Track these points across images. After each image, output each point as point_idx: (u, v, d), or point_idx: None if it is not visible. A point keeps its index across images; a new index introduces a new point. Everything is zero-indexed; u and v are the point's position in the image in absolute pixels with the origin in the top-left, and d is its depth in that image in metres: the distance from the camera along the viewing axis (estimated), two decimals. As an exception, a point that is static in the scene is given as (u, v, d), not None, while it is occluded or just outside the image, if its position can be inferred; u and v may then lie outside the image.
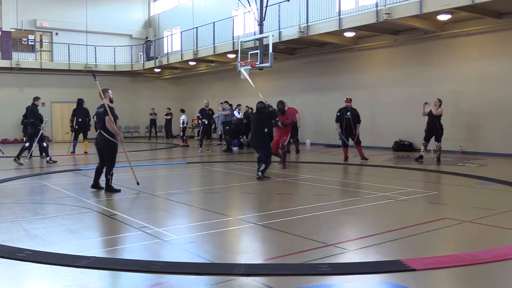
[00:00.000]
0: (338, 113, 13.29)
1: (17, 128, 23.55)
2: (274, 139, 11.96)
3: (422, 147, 12.80)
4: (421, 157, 12.70)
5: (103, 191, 8.16)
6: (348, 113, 13.07)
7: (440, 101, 12.45)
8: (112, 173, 8.12)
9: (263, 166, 9.78)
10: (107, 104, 8.02)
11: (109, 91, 8.30)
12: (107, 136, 8.00)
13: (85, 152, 16.11)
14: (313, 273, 3.98)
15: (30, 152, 13.60)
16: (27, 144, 13.60)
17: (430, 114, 12.47)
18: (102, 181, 8.28)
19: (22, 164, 12.89)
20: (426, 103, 12.72)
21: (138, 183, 8.54)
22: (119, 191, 8.11)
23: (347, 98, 13.39)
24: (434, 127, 12.40)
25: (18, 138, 23.85)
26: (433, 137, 12.50)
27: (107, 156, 8.13)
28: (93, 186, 8.33)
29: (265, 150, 9.93)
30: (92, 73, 8.91)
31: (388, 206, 6.94)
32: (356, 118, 13.08)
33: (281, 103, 12.08)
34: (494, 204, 6.92)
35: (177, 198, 7.78)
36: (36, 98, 13.83)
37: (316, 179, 9.74)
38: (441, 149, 12.55)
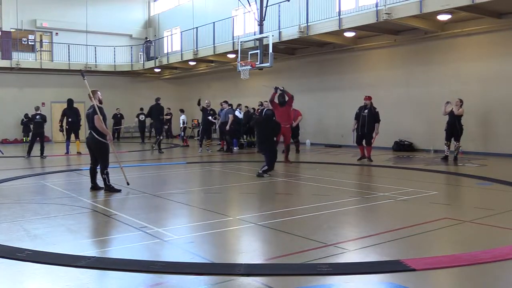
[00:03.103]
0: (357, 111, 13.08)
1: (17, 128, 23.57)
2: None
3: (445, 147, 12.81)
4: (446, 157, 12.72)
5: (102, 191, 8.16)
6: (365, 111, 12.76)
7: (461, 101, 12.50)
8: (107, 172, 8.13)
9: (265, 168, 9.96)
10: (96, 105, 8.10)
11: (98, 92, 8.38)
12: (96, 136, 8.06)
13: (78, 152, 16.06)
14: (313, 273, 3.98)
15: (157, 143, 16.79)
16: (161, 137, 16.84)
17: (451, 113, 12.52)
18: (100, 181, 8.29)
19: (163, 152, 16.50)
20: (448, 102, 12.73)
21: (128, 183, 8.55)
22: (119, 191, 8.12)
23: (366, 96, 13.06)
24: (454, 127, 12.45)
25: (18, 138, 23.85)
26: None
27: (99, 156, 8.18)
28: (92, 188, 8.34)
29: (269, 155, 10.11)
30: (81, 72, 8.98)
31: (388, 206, 6.94)
32: (373, 117, 12.67)
33: (282, 96, 12.49)
34: (494, 204, 6.92)
35: (177, 198, 7.78)
36: (158, 98, 16.84)
37: (316, 179, 9.74)
38: (460, 148, 12.72)
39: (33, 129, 15.52)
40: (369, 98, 12.91)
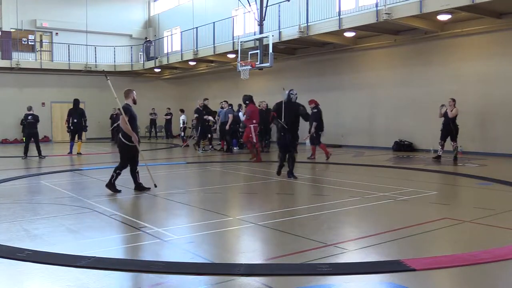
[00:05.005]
0: None
1: (17, 128, 23.57)
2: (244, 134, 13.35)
3: (439, 147, 12.91)
4: (439, 157, 12.83)
5: (102, 191, 8.14)
6: None
7: (454, 100, 12.58)
8: (119, 172, 8.14)
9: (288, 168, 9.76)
10: (127, 104, 8.12)
11: (134, 92, 8.37)
12: (120, 136, 8.18)
13: (78, 153, 15.98)
14: (313, 273, 3.98)
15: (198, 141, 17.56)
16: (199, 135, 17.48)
17: (446, 115, 12.66)
18: (141, 180, 8.32)
19: (210, 150, 17.53)
20: (442, 105, 12.84)
21: (155, 186, 8.39)
22: (119, 191, 8.11)
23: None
24: (449, 127, 12.59)
25: (18, 138, 23.84)
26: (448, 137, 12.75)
27: (119, 155, 8.26)
28: (136, 188, 8.33)
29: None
30: (104, 74, 8.94)
31: (388, 206, 6.94)
32: (311, 117, 12.65)
33: (244, 97, 12.50)
34: (494, 204, 6.92)
35: (177, 198, 7.78)
36: (205, 99, 17.75)
37: (316, 179, 9.74)
38: (460, 148, 12.85)
39: (26, 129, 15.30)
40: (310, 101, 13.45)
